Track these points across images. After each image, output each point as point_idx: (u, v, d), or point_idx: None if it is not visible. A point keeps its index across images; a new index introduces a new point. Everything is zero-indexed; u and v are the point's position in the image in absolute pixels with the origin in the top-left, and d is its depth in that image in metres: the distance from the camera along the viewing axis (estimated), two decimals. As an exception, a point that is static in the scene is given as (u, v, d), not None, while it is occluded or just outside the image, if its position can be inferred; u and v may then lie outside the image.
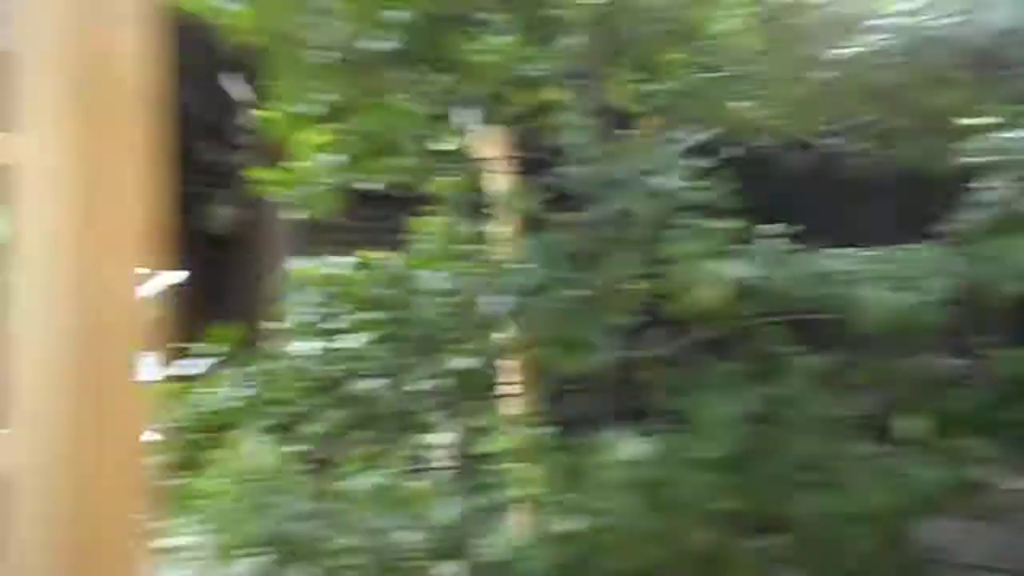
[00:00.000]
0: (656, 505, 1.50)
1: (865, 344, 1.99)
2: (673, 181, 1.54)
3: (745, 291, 1.50)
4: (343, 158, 1.94)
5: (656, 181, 1.59)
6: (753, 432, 1.57)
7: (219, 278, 6.21)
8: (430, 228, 1.94)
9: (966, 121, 1.71)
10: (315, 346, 2.01)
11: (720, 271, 1.44)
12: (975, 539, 4.17)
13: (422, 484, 1.84)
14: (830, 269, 1.54)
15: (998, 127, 1.60)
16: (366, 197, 2.40)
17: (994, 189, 1.57)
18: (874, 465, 1.57)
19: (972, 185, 1.61)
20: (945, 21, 2.30)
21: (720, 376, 1.61)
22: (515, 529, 1.66)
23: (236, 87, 4.89)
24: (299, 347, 2.04)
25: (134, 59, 0.65)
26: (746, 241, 1.57)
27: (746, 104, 2.15)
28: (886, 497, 1.53)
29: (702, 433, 1.53)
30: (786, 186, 2.96)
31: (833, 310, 1.57)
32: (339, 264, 2.06)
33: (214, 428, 2.08)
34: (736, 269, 1.44)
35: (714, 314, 1.56)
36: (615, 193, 1.57)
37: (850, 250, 1.71)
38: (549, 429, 1.84)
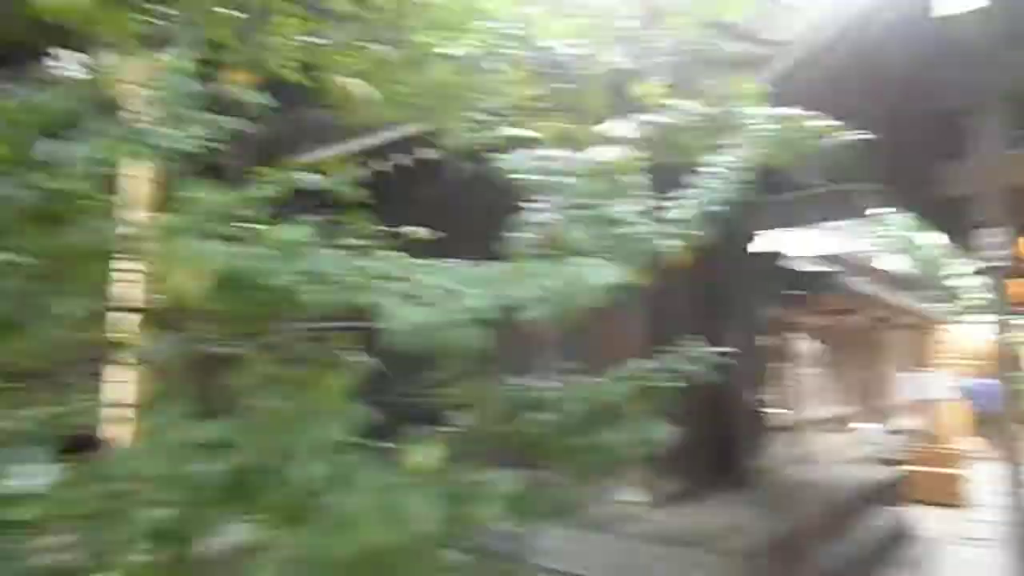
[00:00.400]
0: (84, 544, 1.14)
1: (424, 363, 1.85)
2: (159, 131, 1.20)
3: (238, 283, 1.21)
4: None
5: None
6: (241, 454, 1.30)
7: None
8: None
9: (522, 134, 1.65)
10: None
11: (196, 253, 1.13)
12: (582, 547, 4.55)
13: None
14: (353, 271, 1.33)
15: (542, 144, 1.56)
16: None
17: (540, 209, 1.52)
18: (379, 498, 1.38)
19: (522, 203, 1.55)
20: (573, 50, 2.34)
21: (212, 387, 1.31)
22: None
23: None
24: None
25: None
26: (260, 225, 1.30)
27: (356, 81, 1.93)
28: (383, 535, 1.35)
29: (161, 455, 1.21)
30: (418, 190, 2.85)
31: (359, 318, 1.37)
32: None
33: None
34: (216, 252, 1.14)
35: (206, 307, 1.26)
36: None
37: (403, 257, 1.54)
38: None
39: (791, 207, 8.19)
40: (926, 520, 8.04)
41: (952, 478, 8.72)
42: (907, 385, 9.25)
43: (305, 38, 1.83)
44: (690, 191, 1.96)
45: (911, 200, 5.29)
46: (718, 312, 6.24)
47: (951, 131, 3.79)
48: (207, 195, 1.24)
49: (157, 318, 1.46)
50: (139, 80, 1.58)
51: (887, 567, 6.02)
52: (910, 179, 4.10)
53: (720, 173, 2.02)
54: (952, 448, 9.33)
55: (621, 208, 1.70)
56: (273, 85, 1.98)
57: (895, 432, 10.39)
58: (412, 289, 1.41)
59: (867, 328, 11.50)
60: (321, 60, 1.82)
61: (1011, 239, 3.57)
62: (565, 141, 1.60)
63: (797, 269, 8.43)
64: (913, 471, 9.00)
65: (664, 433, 2.14)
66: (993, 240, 3.60)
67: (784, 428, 8.22)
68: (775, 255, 8.20)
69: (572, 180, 1.52)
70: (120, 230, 1.28)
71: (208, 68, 1.79)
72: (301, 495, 1.37)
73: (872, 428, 10.38)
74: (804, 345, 9.48)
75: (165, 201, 1.35)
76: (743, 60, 3.04)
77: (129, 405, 1.56)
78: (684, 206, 1.92)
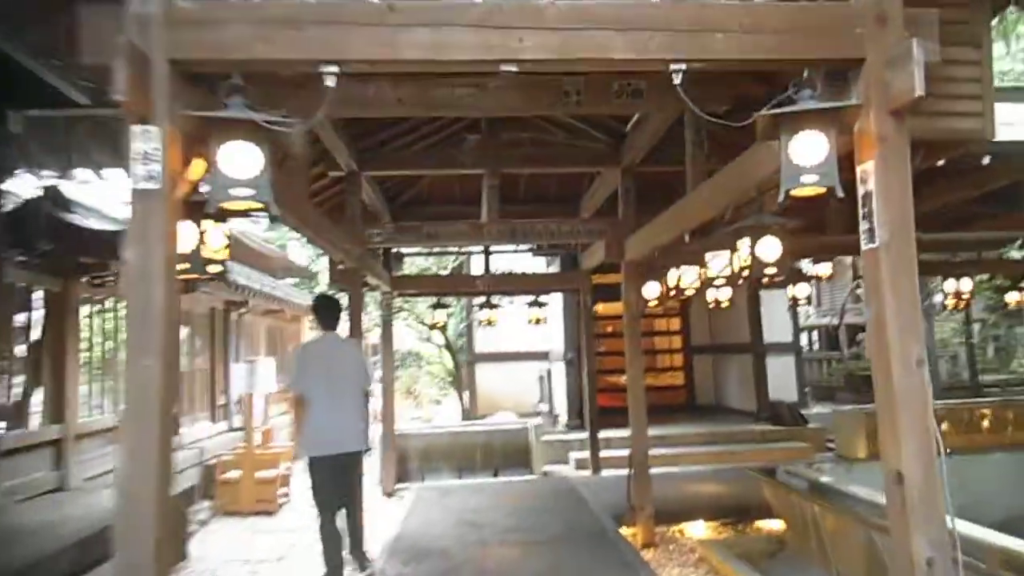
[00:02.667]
0: None
1: None
2: None
3: None
4: None
5: None
6: None
7: None
8: None
9: None
10: None
11: None
12: None
13: None
14: None
15: None
16: None
17: None
18: None
19: None
20: None
21: None
22: None
23: None
24: None
25: None
26: None
27: None
28: None
29: None
30: None
31: None
32: None
33: None
34: None
35: None
36: None
37: None
38: None
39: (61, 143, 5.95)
40: (213, 540, 6.79)
41: (267, 482, 7.82)
42: (243, 377, 8.03)
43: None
44: None
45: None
46: None
47: None
48: None
49: None
50: None
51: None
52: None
53: None
54: (276, 447, 8.51)
55: None
56: None
57: (226, 432, 9.13)
58: None
59: (214, 311, 10.08)
60: None
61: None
62: None
63: (87, 226, 6.23)
64: (226, 478, 7.81)
65: None
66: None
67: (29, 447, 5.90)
68: (45, 202, 5.85)
69: None
70: None
71: None
72: None
73: (198, 429, 8.95)
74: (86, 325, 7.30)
75: None
76: None
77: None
78: None
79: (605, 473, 8.83)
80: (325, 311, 4.60)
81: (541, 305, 9.31)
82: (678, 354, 12.92)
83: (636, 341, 6.35)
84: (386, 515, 7.21)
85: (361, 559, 4.65)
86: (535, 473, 9.10)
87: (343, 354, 4.52)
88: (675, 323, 12.95)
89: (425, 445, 9.45)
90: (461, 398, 11.13)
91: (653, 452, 8.47)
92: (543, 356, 12.62)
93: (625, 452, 10.13)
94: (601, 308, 10.57)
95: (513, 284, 9.13)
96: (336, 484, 4.31)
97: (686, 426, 10.83)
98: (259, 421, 8.31)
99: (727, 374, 12.61)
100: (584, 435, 10.04)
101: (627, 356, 6.45)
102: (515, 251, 10.26)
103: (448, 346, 11.39)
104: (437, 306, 9.11)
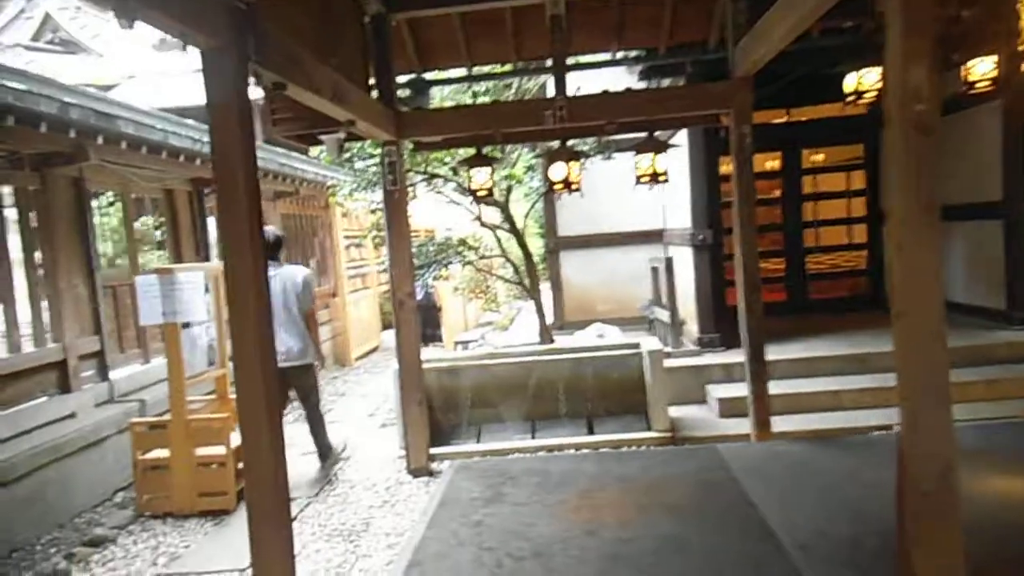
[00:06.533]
0: None
1: None
2: None
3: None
4: None
5: None
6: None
7: None
8: None
9: None
10: None
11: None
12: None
13: None
14: None
15: None
16: None
17: None
18: None
19: None
20: None
21: None
22: None
23: None
24: None
25: None
26: None
27: None
28: None
29: None
30: None
31: None
32: None
33: None
34: None
35: None
36: None
37: None
38: None
39: None
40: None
41: (213, 464, 4.75)
42: (150, 297, 4.82)
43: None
44: None
45: None
46: None
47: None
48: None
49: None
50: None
51: None
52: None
53: None
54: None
55: None
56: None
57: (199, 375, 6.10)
58: None
59: (172, 194, 6.90)
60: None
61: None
62: None
63: None
64: (148, 459, 4.80)
65: None
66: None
67: None
68: None
69: None
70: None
71: None
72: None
73: (149, 370, 5.98)
74: None
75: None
76: None
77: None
78: None
79: (777, 426, 5.16)
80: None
81: (659, 148, 5.42)
82: (860, 225, 8.74)
83: (924, 154, 2.51)
84: (386, 533, 3.97)
85: (324, 455, 5.45)
86: (654, 426, 5.58)
87: (276, 281, 4.92)
88: (856, 178, 8.71)
89: (480, 380, 6.10)
90: (538, 304, 7.66)
91: (825, 384, 5.69)
92: (656, 237, 8.83)
93: (803, 385, 6.30)
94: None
95: (607, 113, 5.24)
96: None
97: (882, 335, 6.87)
98: (201, 365, 5.15)
99: (944, 251, 8.35)
100: (726, 357, 6.38)
101: (893, 186, 2.62)
102: (611, 61, 6.28)
103: (512, 227, 7.69)
104: (476, 161, 5.41)
